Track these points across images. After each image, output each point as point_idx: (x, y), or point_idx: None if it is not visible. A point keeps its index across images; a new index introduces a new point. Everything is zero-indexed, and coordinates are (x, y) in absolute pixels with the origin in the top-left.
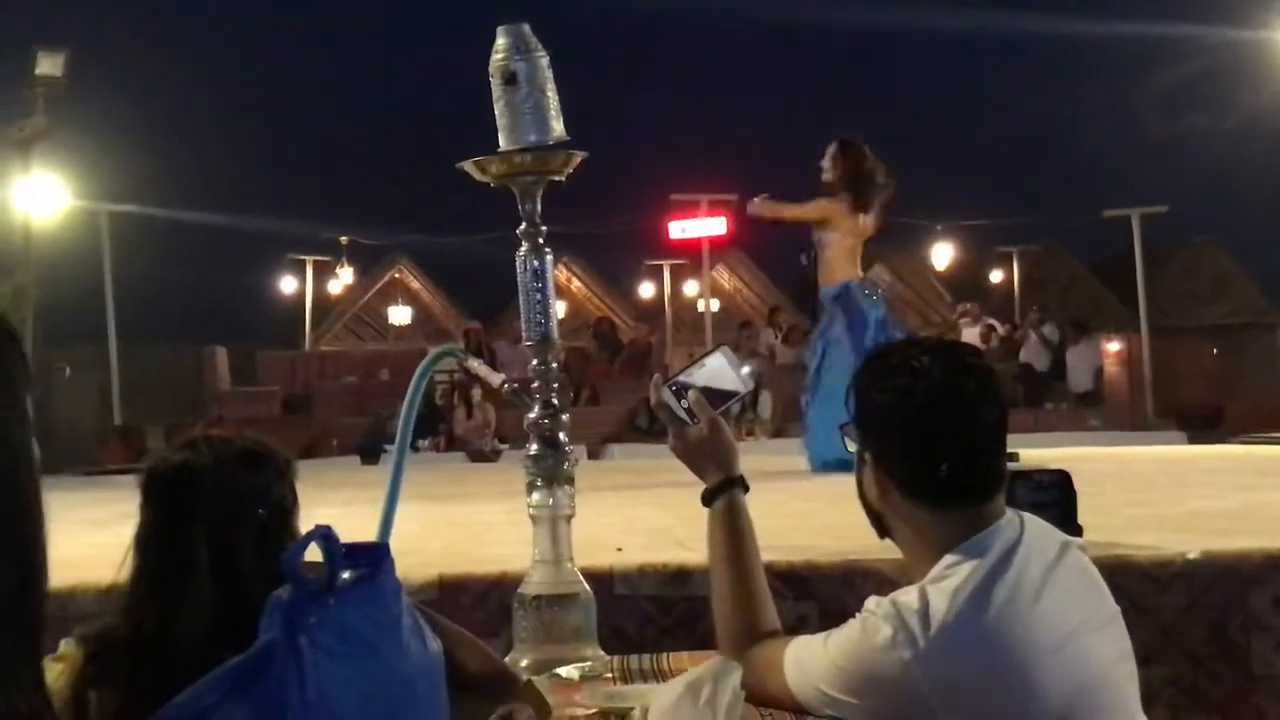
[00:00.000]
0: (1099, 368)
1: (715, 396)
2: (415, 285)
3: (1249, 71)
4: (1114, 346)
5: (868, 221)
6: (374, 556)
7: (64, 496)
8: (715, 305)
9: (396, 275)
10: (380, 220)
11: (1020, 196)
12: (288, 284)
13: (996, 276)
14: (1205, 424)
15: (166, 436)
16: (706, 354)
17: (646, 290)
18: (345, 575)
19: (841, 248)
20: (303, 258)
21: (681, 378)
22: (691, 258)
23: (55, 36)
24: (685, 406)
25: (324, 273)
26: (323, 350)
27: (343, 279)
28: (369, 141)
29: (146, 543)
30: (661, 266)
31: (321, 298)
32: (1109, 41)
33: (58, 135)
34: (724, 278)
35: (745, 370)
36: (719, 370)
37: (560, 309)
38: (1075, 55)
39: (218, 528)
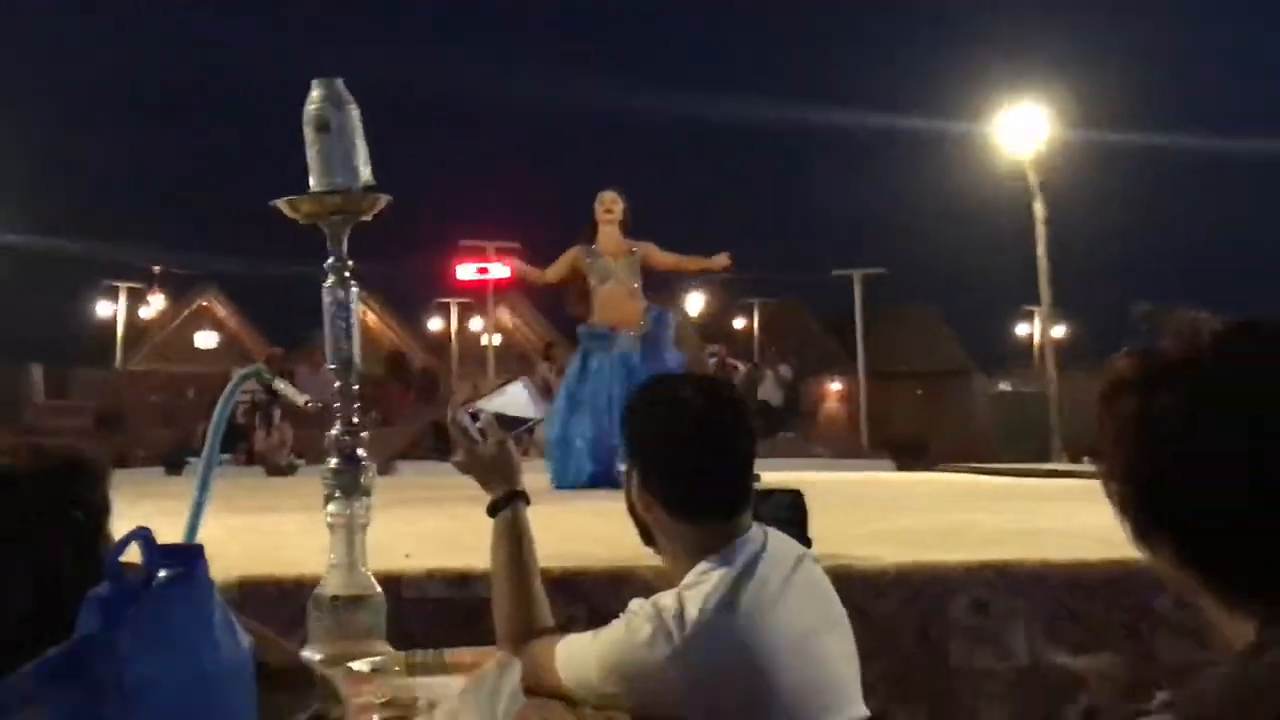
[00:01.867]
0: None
1: (509, 422)
2: (222, 313)
3: (965, 158)
4: (835, 386)
5: None
6: (189, 556)
7: None
8: (498, 340)
9: (205, 303)
10: (192, 250)
11: (765, 255)
12: (103, 308)
13: (740, 323)
14: (912, 455)
15: None
16: (506, 382)
17: (435, 324)
18: (162, 573)
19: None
20: (117, 284)
21: (480, 403)
22: (477, 297)
23: None
24: (479, 428)
25: (137, 299)
26: (133, 370)
27: (154, 305)
28: (187, 176)
29: None
30: (449, 304)
31: (134, 322)
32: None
33: None
34: (506, 316)
35: (539, 400)
36: (516, 398)
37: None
38: (824, 136)
39: (35, 531)
